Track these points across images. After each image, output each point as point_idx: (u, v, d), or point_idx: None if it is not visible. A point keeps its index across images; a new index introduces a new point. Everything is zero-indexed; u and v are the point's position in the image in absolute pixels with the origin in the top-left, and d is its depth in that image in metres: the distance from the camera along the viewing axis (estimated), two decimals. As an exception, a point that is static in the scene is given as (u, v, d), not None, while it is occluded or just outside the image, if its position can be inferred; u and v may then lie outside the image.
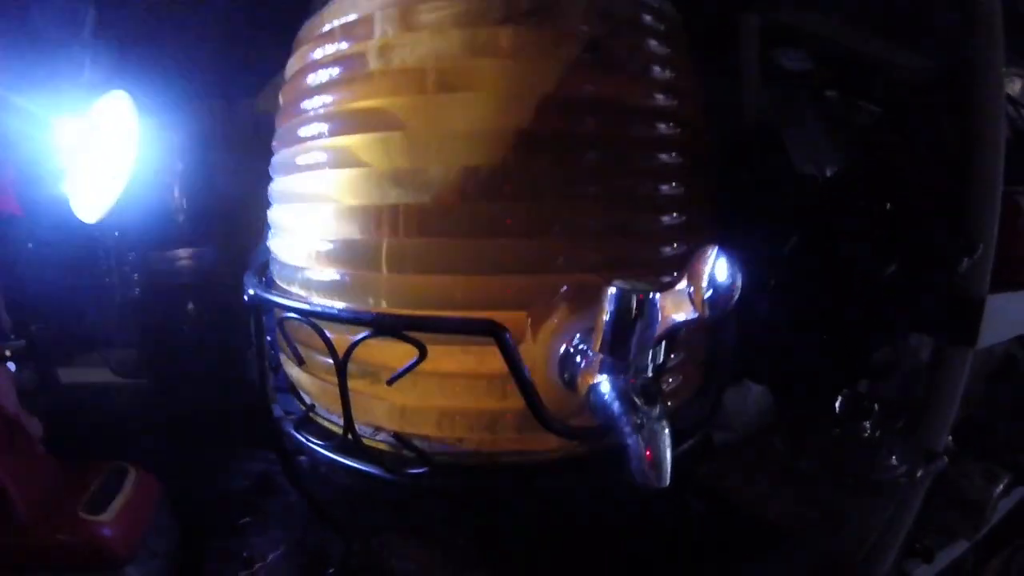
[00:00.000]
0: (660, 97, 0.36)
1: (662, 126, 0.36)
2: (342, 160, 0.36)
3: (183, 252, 0.61)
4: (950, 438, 0.64)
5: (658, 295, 0.27)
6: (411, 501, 0.49)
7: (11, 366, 0.61)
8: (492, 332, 0.28)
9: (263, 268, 0.44)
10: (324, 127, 0.37)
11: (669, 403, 0.38)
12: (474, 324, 0.29)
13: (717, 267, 0.26)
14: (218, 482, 0.58)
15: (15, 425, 0.47)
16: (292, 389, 0.42)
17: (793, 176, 0.66)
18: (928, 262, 0.59)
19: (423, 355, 0.30)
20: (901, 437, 0.61)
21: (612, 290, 0.29)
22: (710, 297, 0.26)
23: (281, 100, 0.42)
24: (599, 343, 0.29)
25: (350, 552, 0.47)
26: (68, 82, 0.48)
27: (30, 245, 0.64)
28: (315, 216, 0.37)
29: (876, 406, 0.60)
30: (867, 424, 0.59)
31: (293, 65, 0.41)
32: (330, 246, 0.36)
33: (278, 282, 0.41)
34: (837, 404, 0.62)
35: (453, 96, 0.33)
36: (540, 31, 0.32)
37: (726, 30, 0.81)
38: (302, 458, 0.54)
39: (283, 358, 0.42)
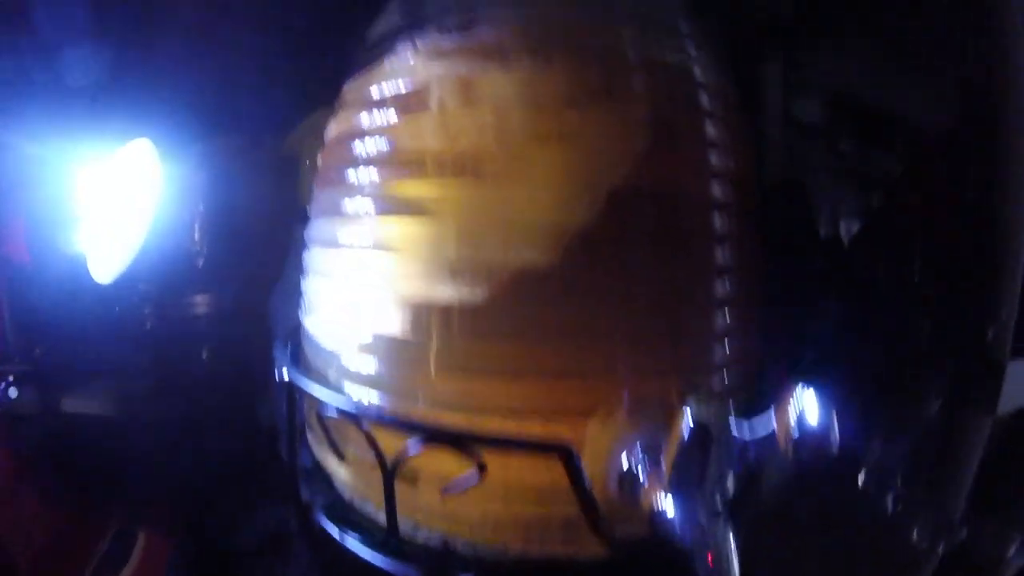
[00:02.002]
0: (717, 186, 0.33)
1: (719, 219, 0.33)
2: (388, 244, 0.33)
3: (200, 299, 0.57)
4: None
5: (738, 426, 0.25)
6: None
7: (12, 391, 0.57)
8: (561, 453, 0.26)
9: (293, 337, 0.41)
10: (370, 205, 0.34)
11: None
12: (545, 445, 0.27)
13: (806, 403, 0.24)
14: (228, 538, 0.55)
15: (17, 475, 0.44)
16: (319, 471, 0.39)
17: (817, 238, 0.64)
18: (954, 330, 0.57)
19: (483, 472, 0.27)
20: (922, 509, 0.59)
21: (688, 416, 0.26)
22: (797, 438, 0.24)
23: (320, 163, 0.40)
24: (669, 466, 0.27)
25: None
26: (92, 128, 0.45)
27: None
28: (357, 303, 0.34)
29: (899, 479, 0.58)
30: (889, 499, 0.57)
31: (335, 128, 0.38)
32: (371, 339, 0.33)
33: (309, 358, 0.38)
34: (860, 477, 0.60)
35: (512, 185, 0.30)
36: (610, 115, 0.30)
37: (747, 80, 0.80)
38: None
39: (312, 439, 0.39)
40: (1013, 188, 0.54)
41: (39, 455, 0.56)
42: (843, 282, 0.59)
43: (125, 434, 0.61)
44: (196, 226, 0.59)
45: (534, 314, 0.30)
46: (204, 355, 0.59)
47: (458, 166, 0.30)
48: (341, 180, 0.36)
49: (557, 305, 0.30)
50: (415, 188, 0.31)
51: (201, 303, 0.57)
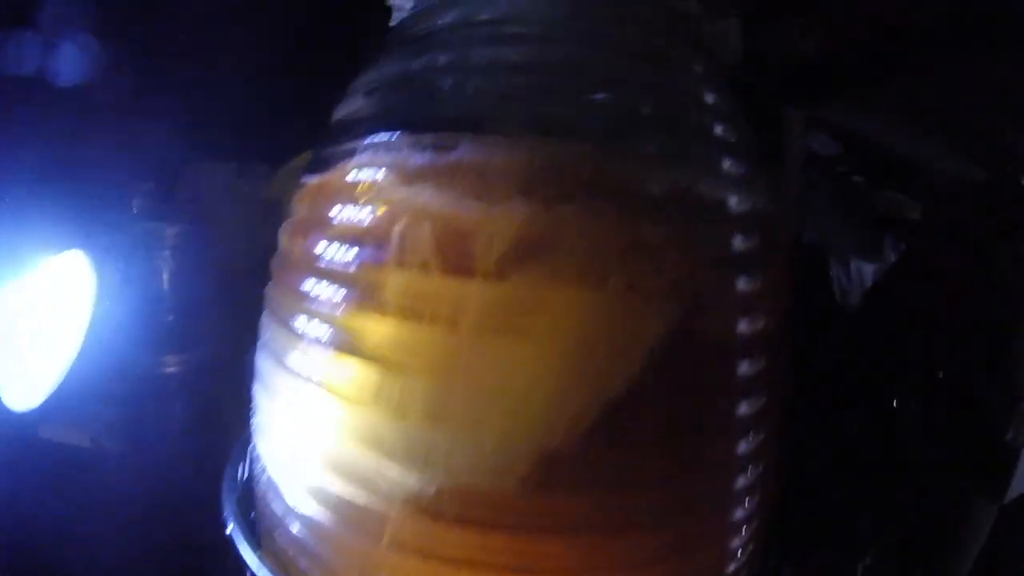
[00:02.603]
0: (754, 361, 0.25)
1: (752, 400, 0.25)
2: (338, 401, 0.24)
3: (171, 359, 0.50)
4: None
5: None
6: None
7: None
8: None
9: (244, 460, 0.33)
10: (319, 345, 0.25)
11: None
12: None
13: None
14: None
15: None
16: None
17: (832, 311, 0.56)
18: (972, 425, 0.50)
19: None
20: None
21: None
22: None
23: (275, 262, 0.31)
24: None
25: None
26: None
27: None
28: (300, 456, 0.26)
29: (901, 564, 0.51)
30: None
31: (289, 230, 0.29)
32: (314, 506, 0.25)
33: (257, 499, 0.31)
34: (859, 569, 0.53)
35: (487, 375, 0.21)
36: (629, 279, 0.21)
37: (770, 121, 0.70)
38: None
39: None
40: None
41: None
42: (856, 365, 0.52)
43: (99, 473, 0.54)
44: (165, 276, 0.50)
45: (519, 505, 0.22)
46: (177, 414, 0.51)
47: (421, 344, 0.21)
48: (291, 297, 0.27)
49: (542, 496, 0.22)
50: (369, 360, 0.23)
51: (172, 364, 0.50)
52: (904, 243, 0.73)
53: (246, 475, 0.34)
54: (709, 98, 0.27)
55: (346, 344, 0.23)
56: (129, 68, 0.56)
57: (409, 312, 0.22)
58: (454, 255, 0.21)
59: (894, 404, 0.47)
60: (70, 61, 0.54)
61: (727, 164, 0.26)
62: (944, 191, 0.72)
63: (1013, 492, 0.54)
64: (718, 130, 0.26)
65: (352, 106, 0.27)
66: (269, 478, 0.29)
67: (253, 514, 0.32)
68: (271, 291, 0.29)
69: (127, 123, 0.57)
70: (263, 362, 0.29)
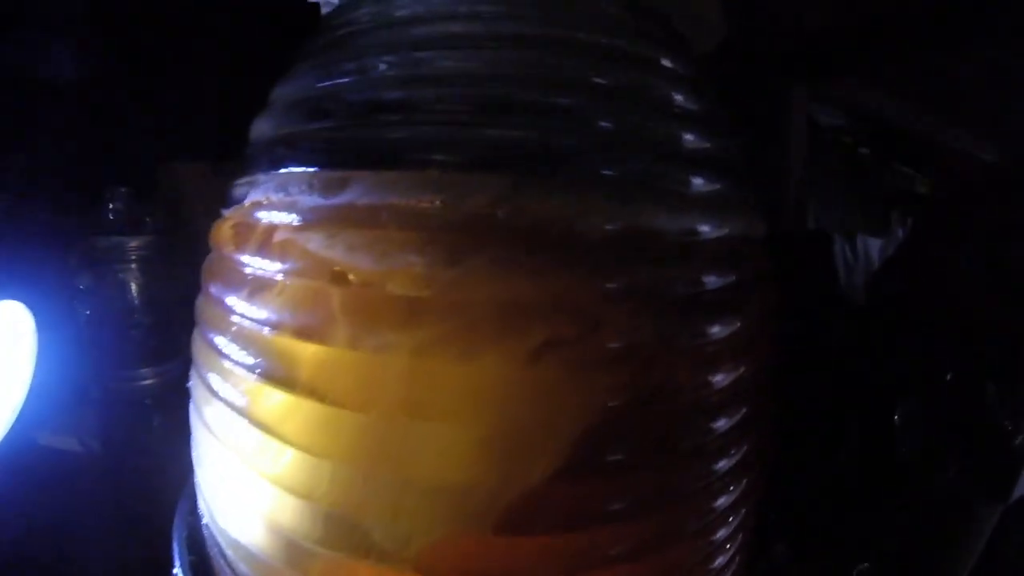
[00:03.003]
0: (723, 421, 0.20)
1: (721, 461, 0.20)
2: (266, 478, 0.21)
3: (146, 371, 0.47)
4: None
5: None
6: None
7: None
8: None
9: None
10: (229, 409, 0.21)
11: None
12: None
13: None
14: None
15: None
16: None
17: (841, 311, 0.50)
18: (979, 437, 0.46)
19: None
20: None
21: None
22: None
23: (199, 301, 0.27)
24: None
25: None
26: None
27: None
28: (213, 509, 0.23)
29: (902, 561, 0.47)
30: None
31: (209, 269, 0.25)
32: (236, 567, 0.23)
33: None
34: (855, 573, 0.50)
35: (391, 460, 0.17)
36: (559, 363, 0.17)
37: (775, 99, 0.63)
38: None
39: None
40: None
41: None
42: (859, 365, 0.47)
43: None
44: (133, 289, 0.47)
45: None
46: (155, 423, 0.49)
47: (322, 423, 0.18)
48: (205, 350, 0.23)
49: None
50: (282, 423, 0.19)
51: (148, 377, 0.47)
52: (911, 217, 0.67)
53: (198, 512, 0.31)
54: (678, 99, 0.22)
55: (250, 415, 0.19)
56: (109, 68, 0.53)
57: (310, 388, 0.18)
58: (350, 322, 0.17)
59: (895, 418, 0.42)
60: (54, 63, 0.51)
61: (698, 183, 0.21)
62: (954, 173, 0.64)
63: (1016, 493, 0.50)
64: (688, 139, 0.21)
65: (260, 126, 0.23)
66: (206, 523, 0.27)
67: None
68: (194, 335, 0.26)
69: (104, 122, 0.54)
70: (191, 407, 0.26)
